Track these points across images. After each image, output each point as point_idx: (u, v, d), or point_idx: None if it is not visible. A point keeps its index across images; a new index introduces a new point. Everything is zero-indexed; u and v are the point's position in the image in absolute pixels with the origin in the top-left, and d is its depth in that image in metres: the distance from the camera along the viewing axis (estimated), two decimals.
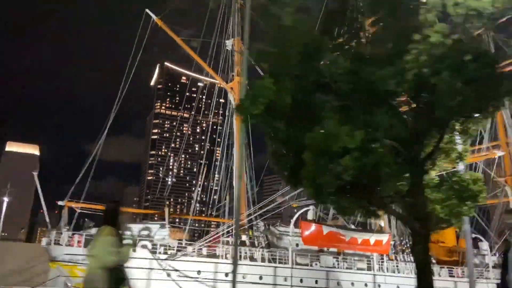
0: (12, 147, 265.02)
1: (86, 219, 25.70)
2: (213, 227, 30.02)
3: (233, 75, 36.95)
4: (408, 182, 9.48)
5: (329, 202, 9.37)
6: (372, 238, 29.98)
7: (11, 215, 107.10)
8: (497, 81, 8.64)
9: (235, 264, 11.95)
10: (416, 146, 9.39)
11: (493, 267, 44.87)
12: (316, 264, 30.01)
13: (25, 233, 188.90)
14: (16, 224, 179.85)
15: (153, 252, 25.45)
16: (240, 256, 28.03)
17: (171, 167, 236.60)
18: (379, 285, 31.76)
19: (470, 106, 8.79)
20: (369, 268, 32.17)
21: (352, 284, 30.88)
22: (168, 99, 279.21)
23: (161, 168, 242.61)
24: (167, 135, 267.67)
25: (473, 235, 45.45)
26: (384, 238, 30.78)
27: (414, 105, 9.65)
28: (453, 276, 36.10)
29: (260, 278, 27.92)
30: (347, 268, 31.33)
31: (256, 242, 32.56)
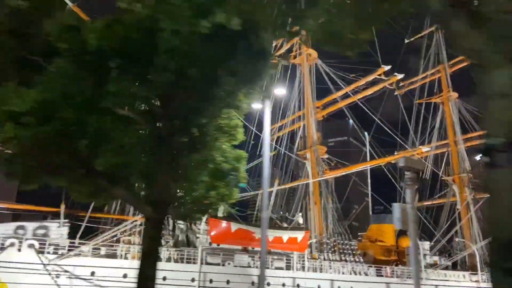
0: None
1: None
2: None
3: None
4: (152, 160, 8.44)
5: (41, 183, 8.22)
6: (285, 235, 29.01)
7: None
8: None
9: None
10: (167, 121, 8.36)
11: (432, 266, 44.37)
12: (229, 264, 28.88)
13: None
14: None
15: (40, 252, 23.99)
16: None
17: None
18: (298, 285, 30.75)
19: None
20: (288, 267, 31.17)
21: (268, 284, 29.80)
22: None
23: None
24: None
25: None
26: (299, 235, 29.83)
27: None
28: (382, 276, 35.15)
29: (164, 279, 26.65)
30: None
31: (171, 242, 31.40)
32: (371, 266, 35.67)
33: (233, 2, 6.29)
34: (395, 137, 42.25)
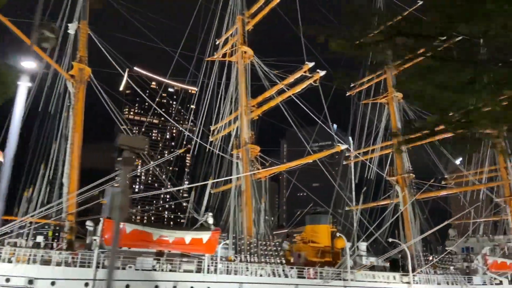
0: None
1: None
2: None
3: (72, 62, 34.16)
4: None
5: None
6: (188, 236, 27.76)
7: None
8: None
9: None
10: None
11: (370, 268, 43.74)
12: (130, 267, 27.44)
13: None
14: None
15: None
16: (29, 259, 25.13)
17: (138, 174, 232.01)
18: None
19: None
20: (199, 270, 29.92)
21: (174, 287, 28.51)
22: (137, 105, 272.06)
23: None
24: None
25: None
26: (205, 236, 28.63)
27: None
28: (303, 277, 34.21)
29: (53, 283, 25.08)
30: (170, 271, 28.95)
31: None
32: (292, 267, 34.69)
33: None
34: (331, 132, 41.31)
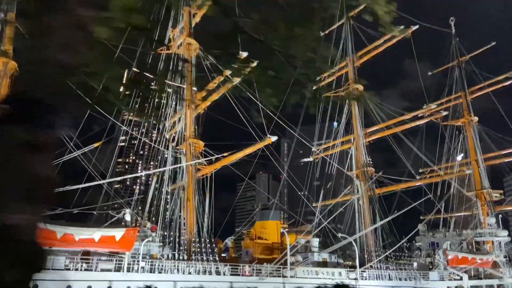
0: None
1: None
2: None
3: None
4: None
5: None
6: (97, 234, 26.52)
7: None
8: None
9: None
10: None
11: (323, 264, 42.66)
12: None
13: None
14: None
15: None
16: None
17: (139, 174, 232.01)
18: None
19: None
20: (119, 269, 28.71)
21: (89, 287, 27.28)
22: (136, 105, 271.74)
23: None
24: (135, 142, 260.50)
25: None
26: (118, 233, 27.39)
27: None
28: (238, 275, 32.97)
29: None
30: (86, 270, 27.74)
31: None
32: (226, 265, 33.46)
33: None
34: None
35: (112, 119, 34.14)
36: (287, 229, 43.38)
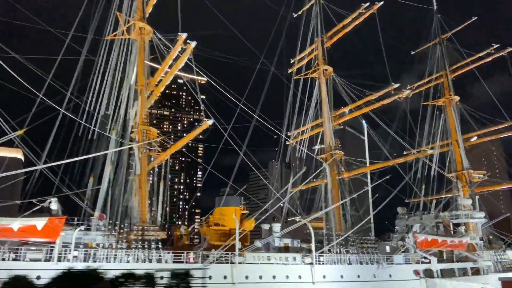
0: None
1: None
2: None
3: None
4: None
5: None
6: (15, 223, 25.95)
7: None
8: None
9: None
10: None
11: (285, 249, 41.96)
12: None
13: None
14: None
15: None
16: None
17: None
18: None
19: None
20: (49, 258, 28.21)
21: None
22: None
23: None
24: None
25: None
26: (40, 222, 26.79)
27: None
28: (181, 262, 32.28)
29: None
30: (14, 260, 27.28)
31: None
32: (169, 252, 32.76)
33: None
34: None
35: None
36: (247, 215, 42.63)
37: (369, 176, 62.02)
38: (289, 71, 57.90)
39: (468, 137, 64.15)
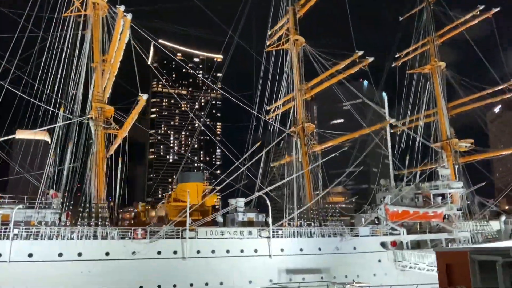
0: (21, 134, 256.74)
1: None
2: None
3: None
4: None
5: None
6: None
7: None
8: None
9: None
10: None
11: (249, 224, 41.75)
12: None
13: None
14: None
15: None
16: None
17: (171, 145, 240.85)
18: None
19: None
20: None
21: None
22: (164, 77, 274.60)
23: (161, 147, 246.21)
24: (166, 113, 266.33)
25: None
26: None
27: None
28: (124, 238, 32.33)
29: None
30: None
31: None
32: (115, 229, 32.79)
33: None
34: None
35: None
36: (208, 191, 42.37)
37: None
38: (267, 43, 56.39)
39: (454, 105, 61.82)
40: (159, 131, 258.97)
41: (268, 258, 36.60)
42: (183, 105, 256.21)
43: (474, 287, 20.51)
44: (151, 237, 33.09)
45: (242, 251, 35.88)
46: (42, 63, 36.70)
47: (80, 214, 33.35)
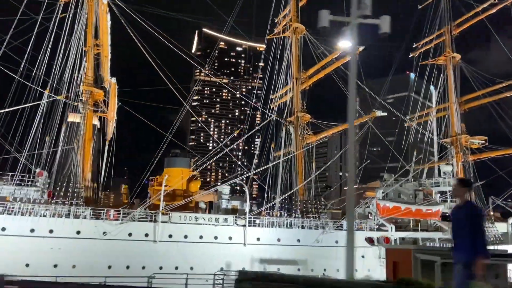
0: (72, 118, 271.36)
1: None
2: None
3: None
4: None
5: None
6: None
7: None
8: None
9: None
10: None
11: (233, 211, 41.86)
12: None
13: None
14: None
15: None
16: None
17: (211, 133, 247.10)
18: None
19: None
20: None
21: None
22: (207, 65, 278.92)
23: (201, 134, 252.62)
24: (207, 101, 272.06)
25: None
26: None
27: None
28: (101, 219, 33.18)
29: None
30: None
31: None
32: (87, 209, 33.65)
33: None
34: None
35: None
36: (196, 177, 42.65)
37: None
38: (275, 31, 55.53)
39: (467, 99, 58.59)
40: (200, 118, 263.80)
41: (242, 247, 36.47)
42: (224, 94, 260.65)
43: None
44: (123, 219, 33.78)
45: (216, 237, 35.93)
46: (32, 46, 37.94)
47: (56, 193, 34.46)
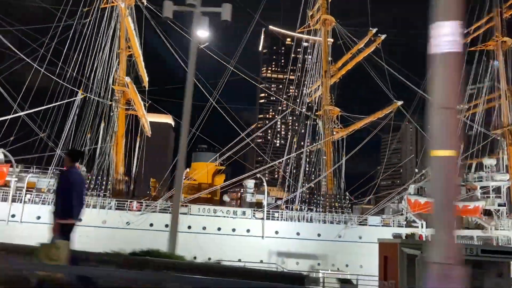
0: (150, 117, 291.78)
1: None
2: None
3: None
4: None
5: None
6: None
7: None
8: None
9: None
10: None
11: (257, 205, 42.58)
12: None
13: None
14: None
15: None
16: None
17: (278, 129, 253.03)
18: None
19: None
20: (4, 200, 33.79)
21: None
22: (273, 63, 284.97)
23: (269, 131, 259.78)
24: (274, 98, 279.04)
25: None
26: None
27: None
28: (124, 210, 35.44)
29: None
30: None
31: None
32: (112, 200, 36.03)
33: None
34: None
35: None
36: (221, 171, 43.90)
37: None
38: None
39: None
40: (266, 115, 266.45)
41: (260, 239, 36.89)
42: (291, 90, 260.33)
43: (400, 281, 19.13)
44: (145, 210, 35.79)
45: (233, 230, 36.72)
46: (72, 50, 41.26)
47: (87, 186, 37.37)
